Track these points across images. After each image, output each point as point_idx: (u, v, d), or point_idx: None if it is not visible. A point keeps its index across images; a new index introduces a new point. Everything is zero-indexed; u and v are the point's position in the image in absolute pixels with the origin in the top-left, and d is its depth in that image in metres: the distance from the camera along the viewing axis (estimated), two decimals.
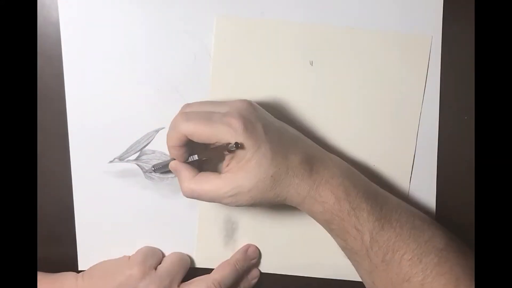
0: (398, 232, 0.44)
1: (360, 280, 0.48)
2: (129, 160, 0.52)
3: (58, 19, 0.50)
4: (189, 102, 0.47)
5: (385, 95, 0.52)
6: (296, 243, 0.54)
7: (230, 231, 0.53)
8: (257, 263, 0.54)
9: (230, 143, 0.42)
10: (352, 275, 0.49)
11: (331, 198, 0.44)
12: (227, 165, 0.45)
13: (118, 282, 0.48)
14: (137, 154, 0.52)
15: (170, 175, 0.52)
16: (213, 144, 0.44)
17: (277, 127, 0.45)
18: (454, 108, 0.53)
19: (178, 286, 0.50)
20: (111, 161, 0.52)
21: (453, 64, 0.52)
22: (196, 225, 0.53)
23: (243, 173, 0.43)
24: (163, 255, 0.53)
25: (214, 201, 0.45)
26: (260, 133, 0.43)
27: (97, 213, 0.53)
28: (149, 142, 0.52)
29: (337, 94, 0.52)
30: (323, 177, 0.44)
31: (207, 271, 0.52)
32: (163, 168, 0.50)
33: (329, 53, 0.52)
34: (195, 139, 0.44)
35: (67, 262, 0.53)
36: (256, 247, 0.54)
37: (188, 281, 0.51)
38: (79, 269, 0.53)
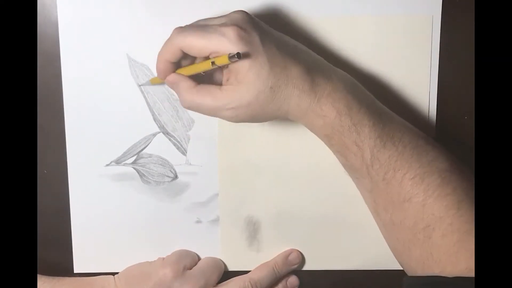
0: (401, 151, 0.44)
1: (389, 268, 0.48)
2: (126, 163, 0.52)
3: (57, 19, 0.50)
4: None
5: (392, 78, 0.51)
6: (319, 238, 0.53)
7: (252, 231, 0.53)
8: (300, 267, 0.53)
9: (230, 53, 0.40)
10: (380, 264, 0.49)
11: (332, 112, 0.43)
12: (227, 80, 0.43)
13: (153, 283, 0.49)
14: (134, 157, 0.52)
15: (166, 179, 0.52)
16: (211, 56, 0.43)
17: (275, 37, 0.44)
18: (454, 108, 0.52)
19: (214, 287, 0.51)
20: (107, 164, 0.52)
21: (453, 49, 0.51)
22: (219, 230, 0.53)
23: (242, 85, 0.42)
24: (199, 258, 0.53)
25: (212, 114, 0.44)
26: (256, 42, 0.42)
27: (93, 216, 0.52)
28: (146, 146, 0.52)
29: None
30: (325, 89, 0.43)
31: (235, 274, 0.52)
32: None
33: (331, 45, 0.51)
34: (190, 52, 0.43)
35: (63, 265, 0.53)
36: (299, 252, 0.53)
37: (225, 282, 0.51)
38: (75, 272, 0.53)
